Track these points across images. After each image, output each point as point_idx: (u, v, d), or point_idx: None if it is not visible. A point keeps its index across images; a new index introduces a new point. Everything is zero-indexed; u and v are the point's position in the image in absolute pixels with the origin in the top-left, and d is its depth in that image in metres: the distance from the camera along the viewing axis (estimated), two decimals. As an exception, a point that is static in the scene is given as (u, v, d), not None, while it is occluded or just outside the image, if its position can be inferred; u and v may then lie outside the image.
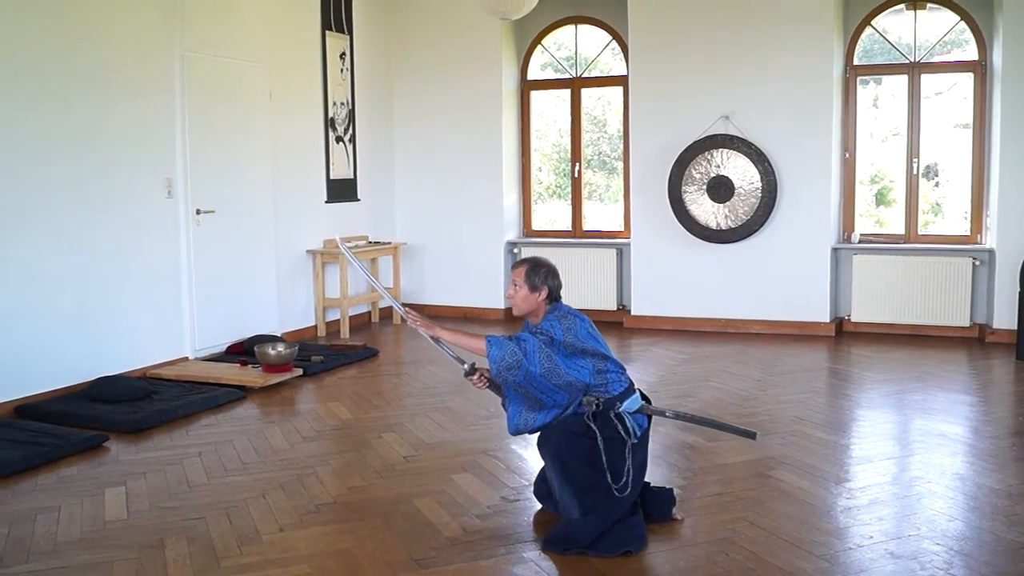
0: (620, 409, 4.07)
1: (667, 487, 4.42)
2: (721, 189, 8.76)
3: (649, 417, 4.20)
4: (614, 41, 9.64)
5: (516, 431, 4.17)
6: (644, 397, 4.24)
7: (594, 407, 4.03)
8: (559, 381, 3.97)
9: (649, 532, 4.02)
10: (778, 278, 8.76)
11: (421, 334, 4.38)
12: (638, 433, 4.09)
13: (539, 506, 4.41)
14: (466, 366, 4.28)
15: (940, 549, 3.85)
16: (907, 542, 3.94)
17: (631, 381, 4.19)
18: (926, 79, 8.67)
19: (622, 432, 4.03)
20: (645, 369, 7.41)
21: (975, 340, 8.30)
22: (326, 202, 9.16)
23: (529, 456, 5.20)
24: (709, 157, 8.77)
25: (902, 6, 8.61)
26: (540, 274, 4.19)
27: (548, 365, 3.95)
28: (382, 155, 10.07)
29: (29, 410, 6.08)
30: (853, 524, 4.15)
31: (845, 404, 6.42)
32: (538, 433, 4.21)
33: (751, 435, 4.28)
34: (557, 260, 9.28)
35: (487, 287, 9.88)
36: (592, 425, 4.01)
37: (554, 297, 4.21)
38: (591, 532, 3.89)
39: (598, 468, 3.98)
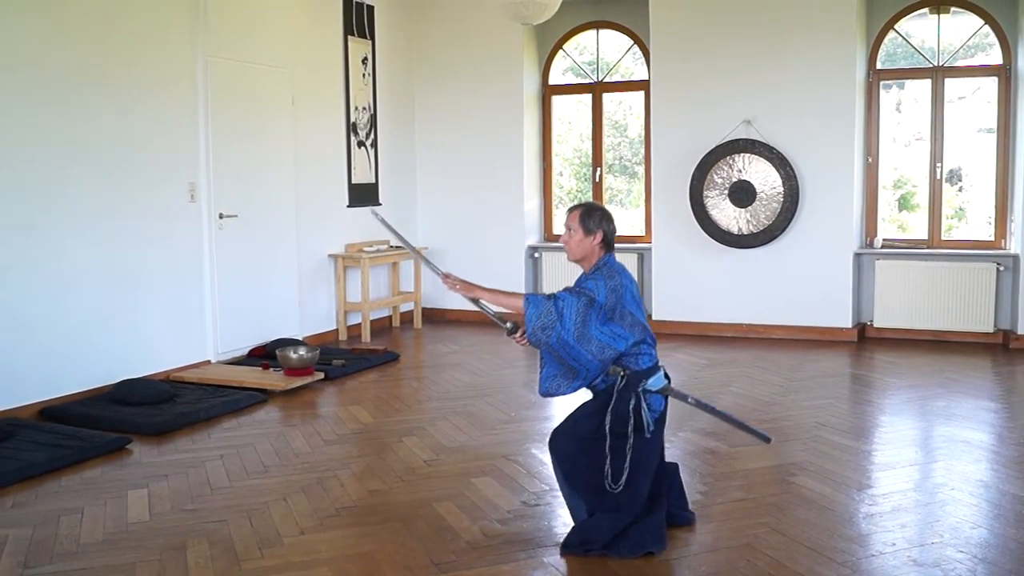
0: (646, 385, 4.02)
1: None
2: (743, 194, 8.73)
3: (666, 399, 4.13)
4: (636, 46, 9.64)
5: (546, 393, 4.11)
6: (666, 377, 4.18)
7: (620, 379, 3.99)
8: (591, 348, 3.92)
9: (670, 538, 4.01)
10: (800, 283, 8.73)
11: (463, 296, 4.34)
12: (651, 426, 4.00)
13: (560, 511, 4.41)
14: (508, 325, 4.20)
15: (964, 557, 3.82)
16: (930, 549, 3.91)
17: (658, 358, 4.14)
18: (950, 83, 8.62)
19: (631, 427, 3.96)
20: (666, 374, 7.38)
21: (999, 346, 8.24)
22: (347, 206, 9.19)
23: (549, 461, 5.18)
24: (731, 162, 8.75)
25: (926, 10, 8.57)
26: (594, 217, 4.15)
27: (582, 331, 3.90)
28: (403, 160, 10.09)
29: (53, 412, 6.13)
30: (876, 531, 4.13)
31: (868, 410, 6.38)
32: (551, 434, 4.19)
33: (766, 439, 4.24)
34: (576, 265, 9.41)
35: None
36: (605, 420, 3.96)
37: (609, 242, 4.16)
38: (606, 530, 3.88)
39: (603, 469, 3.95)
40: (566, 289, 4.05)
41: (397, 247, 9.63)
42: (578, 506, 4.04)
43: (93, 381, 6.56)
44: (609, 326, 3.97)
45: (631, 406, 3.99)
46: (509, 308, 4.16)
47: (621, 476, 3.94)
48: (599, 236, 4.14)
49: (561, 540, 4.04)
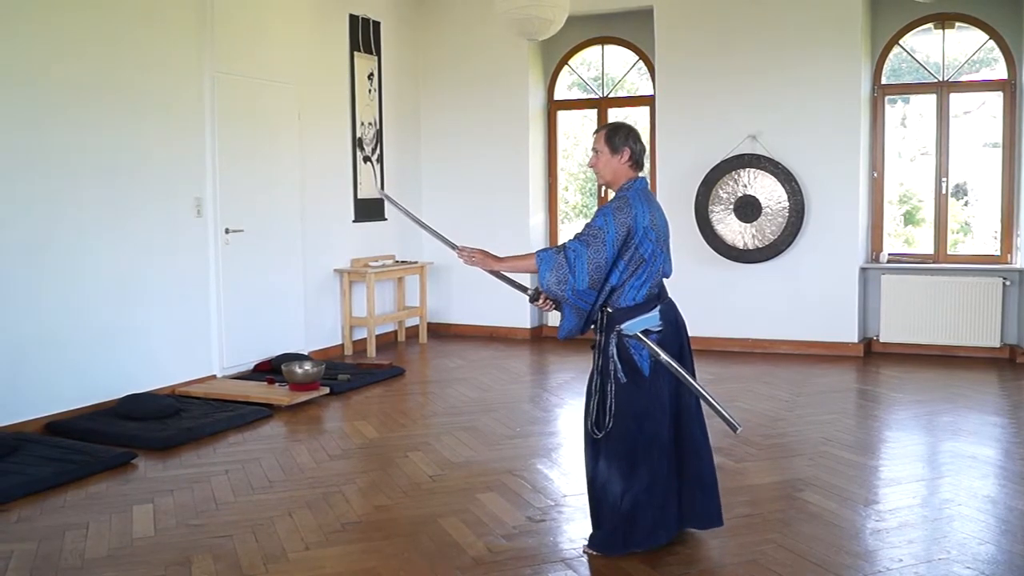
0: (622, 327, 3.95)
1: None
2: (748, 209, 8.73)
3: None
4: (641, 61, 9.66)
5: (566, 336, 4.08)
6: (671, 311, 4.05)
7: (601, 316, 3.99)
8: (599, 287, 3.93)
9: (673, 554, 4.00)
10: (806, 298, 8.71)
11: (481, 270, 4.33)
12: (645, 369, 3.95)
13: (565, 527, 4.42)
14: (530, 292, 4.19)
15: (971, 573, 3.80)
16: (937, 566, 3.89)
17: (656, 295, 4.01)
18: (955, 98, 8.63)
19: (612, 369, 3.95)
20: (671, 389, 7.38)
21: (1006, 361, 8.22)
22: (353, 221, 9.21)
23: (555, 476, 5.19)
24: (736, 177, 8.76)
25: (930, 25, 8.58)
26: (620, 135, 4.07)
27: (595, 276, 3.89)
28: (409, 175, 10.12)
29: (59, 427, 6.13)
30: (882, 547, 4.11)
31: (874, 425, 6.36)
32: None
33: (733, 428, 3.97)
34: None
35: (513, 307, 9.86)
36: (595, 348, 4.00)
37: (637, 161, 4.08)
38: (618, 482, 3.94)
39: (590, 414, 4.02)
40: (577, 236, 3.99)
41: (402, 262, 9.64)
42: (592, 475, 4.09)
43: (99, 396, 6.56)
44: (618, 260, 3.92)
45: (610, 348, 3.97)
46: (527, 271, 4.13)
47: (603, 420, 3.94)
48: (626, 154, 4.06)
49: (566, 556, 4.03)
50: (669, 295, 4.13)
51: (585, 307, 3.96)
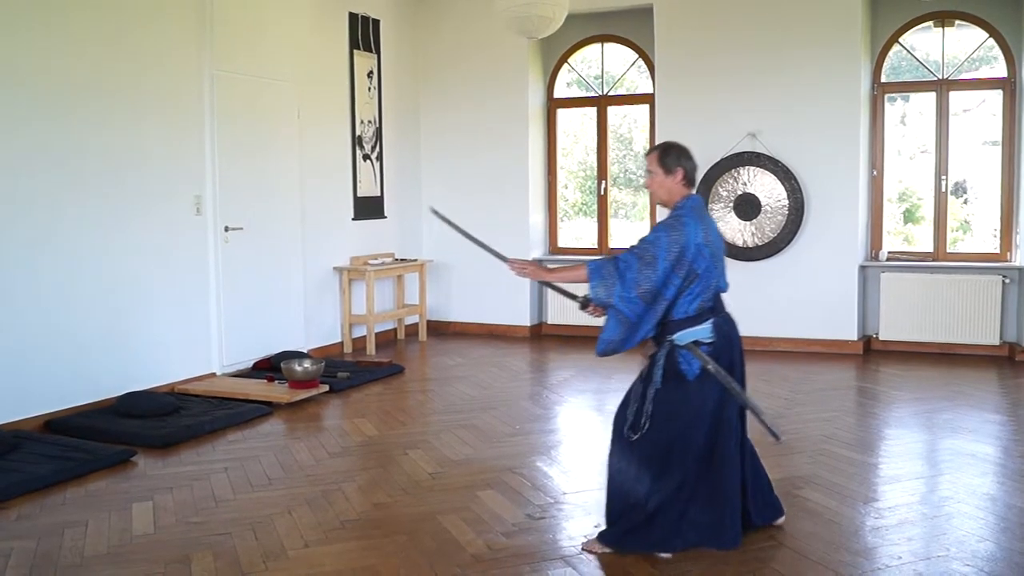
0: (674, 337, 4.02)
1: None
2: (748, 207, 8.73)
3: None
4: (640, 59, 9.66)
5: (605, 350, 4.10)
6: (726, 324, 4.11)
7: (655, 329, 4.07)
8: (653, 302, 3.96)
9: (682, 552, 4.00)
10: (805, 296, 8.72)
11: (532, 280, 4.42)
12: (691, 370, 4.00)
13: (564, 524, 4.43)
14: (580, 299, 4.22)
15: (970, 570, 3.80)
16: (936, 563, 3.89)
17: (711, 308, 4.07)
18: (954, 96, 8.63)
19: (655, 374, 4.02)
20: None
21: (1005, 359, 8.22)
22: (353, 219, 9.21)
23: (555, 474, 5.19)
24: (736, 175, 8.76)
25: (930, 23, 8.58)
26: (672, 155, 4.14)
27: (644, 287, 3.94)
28: (409, 173, 10.11)
29: (58, 425, 6.13)
30: (882, 544, 4.11)
31: (873, 423, 6.37)
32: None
33: (776, 437, 4.08)
34: (583, 277, 9.42)
35: (513, 305, 9.88)
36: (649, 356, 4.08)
37: (690, 179, 4.16)
38: (647, 483, 3.98)
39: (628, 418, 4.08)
40: (630, 248, 4.04)
41: (402, 259, 9.64)
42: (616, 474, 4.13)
43: (98, 393, 6.56)
44: (670, 274, 3.96)
45: (658, 355, 4.04)
46: (576, 281, 4.18)
47: (639, 421, 4.00)
48: (680, 174, 4.13)
49: (566, 553, 4.03)
50: (726, 310, 4.18)
51: (632, 317, 3.99)
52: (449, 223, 4.81)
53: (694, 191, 4.21)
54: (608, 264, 4.01)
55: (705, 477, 4.03)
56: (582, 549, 4.10)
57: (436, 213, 4.98)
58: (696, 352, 3.99)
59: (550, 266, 4.38)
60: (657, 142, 9.03)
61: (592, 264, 4.04)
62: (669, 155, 4.14)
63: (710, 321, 4.05)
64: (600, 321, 4.10)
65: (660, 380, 4.01)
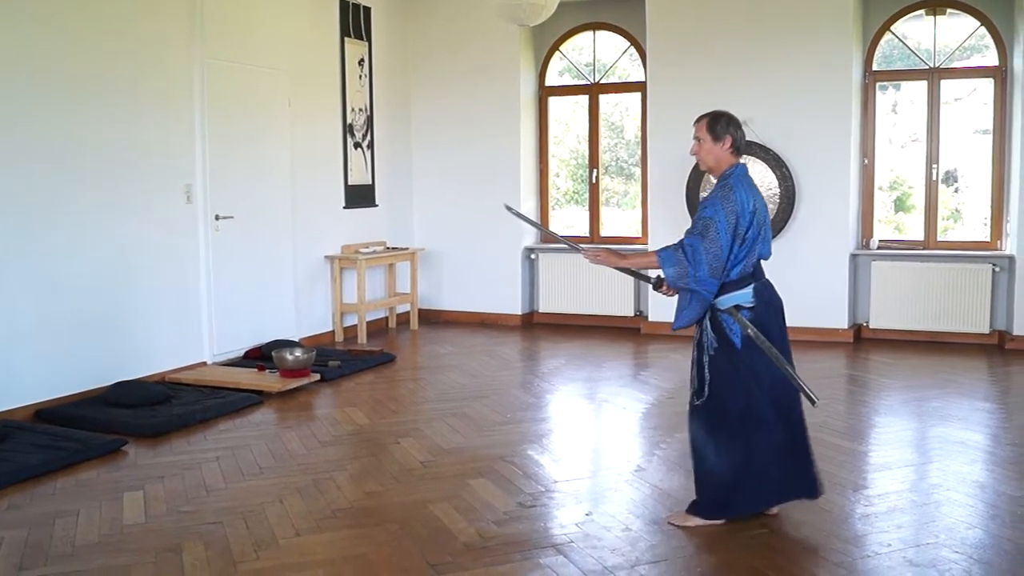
0: (716, 301, 4.12)
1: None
2: (739, 195, 8.72)
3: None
4: (632, 47, 9.64)
5: (682, 326, 4.24)
6: (767, 290, 4.21)
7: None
8: (722, 275, 4.07)
9: (671, 537, 4.01)
10: (796, 284, 8.67)
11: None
12: (737, 343, 4.11)
13: (556, 512, 4.44)
14: (653, 279, 4.33)
15: (959, 557, 3.82)
16: (926, 550, 3.91)
17: (752, 273, 4.17)
18: (946, 85, 8.63)
19: (706, 341, 4.15)
20: (662, 375, 7.40)
21: (995, 347, 8.25)
22: (344, 208, 9.19)
23: (546, 462, 5.20)
24: (727, 163, 8.74)
25: (922, 11, 8.58)
26: (721, 123, 4.24)
27: (714, 265, 4.03)
28: (400, 161, 10.09)
29: (49, 414, 6.12)
30: (871, 532, 4.13)
31: (863, 411, 6.39)
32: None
33: (812, 402, 4.06)
34: (574, 266, 9.46)
35: (505, 293, 9.88)
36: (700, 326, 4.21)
37: (738, 148, 4.25)
38: (715, 451, 4.13)
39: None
40: (689, 231, 4.13)
41: (393, 248, 9.63)
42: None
43: (89, 383, 6.54)
44: (732, 245, 4.07)
45: (704, 322, 4.17)
46: (648, 267, 4.32)
47: (702, 387, 4.15)
48: (728, 142, 4.23)
49: (557, 541, 4.05)
50: (766, 276, 4.29)
51: (709, 296, 4.10)
52: (523, 217, 5.06)
53: (741, 160, 4.30)
54: (676, 252, 4.10)
55: (778, 438, 4.14)
56: (668, 523, 4.21)
57: (510, 209, 5.12)
58: (737, 316, 4.10)
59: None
60: (648, 129, 9.11)
61: (661, 252, 4.13)
62: (719, 123, 4.24)
63: (751, 286, 4.15)
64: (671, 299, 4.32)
65: (711, 347, 4.15)
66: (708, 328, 4.17)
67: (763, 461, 4.12)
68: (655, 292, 4.35)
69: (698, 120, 4.33)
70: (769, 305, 4.20)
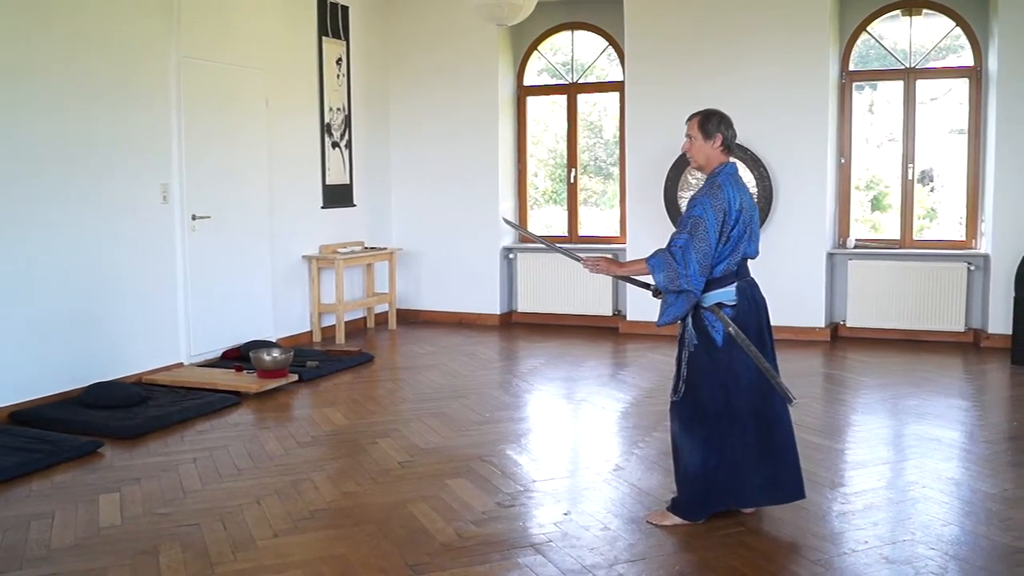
0: (701, 299, 4.14)
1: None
2: (717, 194, 8.75)
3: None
4: (610, 47, 9.66)
5: (668, 322, 4.25)
6: (750, 288, 4.22)
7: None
8: (711, 271, 4.10)
9: (650, 536, 4.01)
10: (773, 283, 8.62)
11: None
12: (718, 340, 4.12)
13: (534, 512, 4.44)
14: (652, 288, 4.32)
15: (935, 554, 3.85)
16: (902, 547, 3.94)
17: (735, 272, 4.19)
18: (921, 85, 8.69)
19: (686, 337, 4.18)
20: (640, 374, 7.41)
21: (970, 345, 8.31)
22: (322, 208, 9.16)
23: (524, 462, 5.20)
24: (705, 162, 8.76)
25: (898, 12, 8.63)
26: (713, 121, 4.28)
27: (703, 263, 4.05)
28: (378, 161, 10.07)
29: (24, 416, 6.06)
30: (848, 529, 4.15)
31: (840, 409, 6.42)
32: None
33: (789, 400, 4.14)
34: (554, 265, 9.47)
35: (483, 293, 9.87)
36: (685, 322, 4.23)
37: (728, 146, 4.28)
38: (691, 447, 4.16)
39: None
40: (678, 231, 4.14)
41: (371, 248, 9.60)
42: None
43: (64, 384, 6.50)
44: (718, 242, 4.10)
45: (687, 319, 4.20)
46: (643, 274, 4.30)
47: (678, 383, 4.20)
48: (719, 140, 4.26)
49: (535, 541, 4.05)
50: (751, 275, 4.30)
51: (698, 294, 4.12)
52: (521, 230, 4.99)
53: (731, 159, 4.33)
54: (664, 255, 4.11)
55: (755, 438, 4.15)
56: (647, 522, 4.22)
57: (508, 222, 5.19)
58: (718, 314, 4.11)
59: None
60: (626, 128, 9.14)
61: (651, 259, 4.15)
62: (710, 121, 4.27)
63: (734, 284, 4.17)
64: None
65: (691, 343, 4.17)
66: (690, 325, 4.19)
67: (738, 460, 4.13)
68: (655, 299, 4.32)
69: (690, 118, 4.35)
70: (752, 303, 4.21)
